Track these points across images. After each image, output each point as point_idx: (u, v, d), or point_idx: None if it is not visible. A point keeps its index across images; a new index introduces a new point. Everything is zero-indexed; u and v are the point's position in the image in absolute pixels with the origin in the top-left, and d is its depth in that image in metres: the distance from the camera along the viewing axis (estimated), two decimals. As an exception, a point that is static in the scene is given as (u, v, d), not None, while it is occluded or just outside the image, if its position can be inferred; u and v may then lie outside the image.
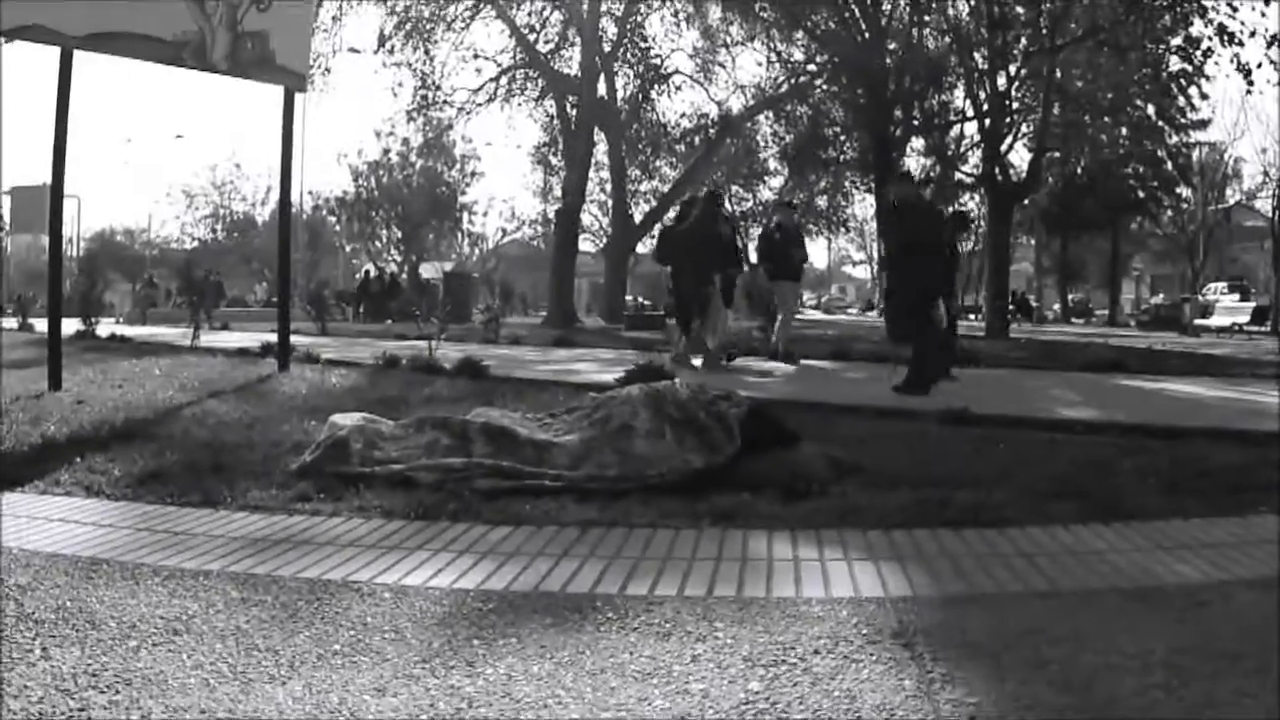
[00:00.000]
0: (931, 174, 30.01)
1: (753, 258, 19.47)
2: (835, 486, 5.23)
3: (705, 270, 13.59)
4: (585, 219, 46.41)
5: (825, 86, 31.70)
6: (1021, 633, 3.19)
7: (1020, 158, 33.71)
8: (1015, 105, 28.73)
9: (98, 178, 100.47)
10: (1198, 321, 37.26)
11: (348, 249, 69.47)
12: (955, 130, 34.44)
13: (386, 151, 53.14)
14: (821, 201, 47.82)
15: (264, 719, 2.67)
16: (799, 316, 17.48)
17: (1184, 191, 51.08)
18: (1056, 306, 61.05)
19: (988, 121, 28.09)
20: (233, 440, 6.78)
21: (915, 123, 29.68)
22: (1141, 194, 46.90)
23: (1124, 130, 34.55)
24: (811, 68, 31.99)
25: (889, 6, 27.39)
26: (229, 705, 2.72)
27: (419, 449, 5.73)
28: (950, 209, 17.54)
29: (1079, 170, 43.39)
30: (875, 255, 73.82)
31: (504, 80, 35.91)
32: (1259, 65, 22.38)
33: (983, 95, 28.30)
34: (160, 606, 3.51)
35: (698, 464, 5.43)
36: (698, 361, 13.74)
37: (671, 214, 20.98)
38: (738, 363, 14.20)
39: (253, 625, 3.34)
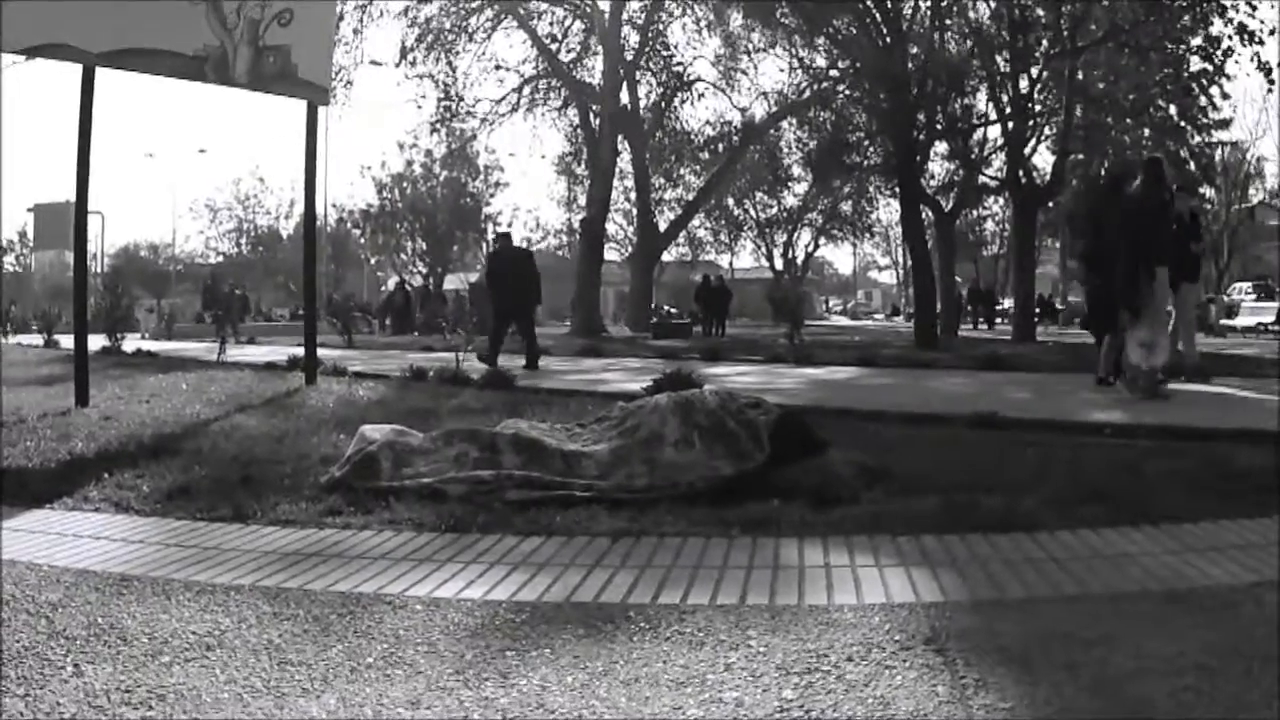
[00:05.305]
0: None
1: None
2: (865, 493, 5.22)
3: (1155, 257, 9.77)
4: (610, 228, 46.52)
5: (847, 92, 31.61)
6: (1053, 637, 3.17)
7: (1044, 160, 33.58)
8: (1037, 108, 28.63)
9: (121, 193, 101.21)
10: (1223, 321, 37.04)
11: (373, 261, 69.62)
12: (978, 134, 34.31)
13: (410, 163, 53.29)
14: (846, 207, 47.93)
15: (298, 732, 2.68)
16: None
17: (1207, 191, 50.70)
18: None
19: (1010, 125, 27.99)
20: (261, 454, 6.80)
21: (938, 127, 29.55)
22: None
23: (1146, 131, 34.33)
24: (834, 73, 31.92)
25: (910, 11, 27.24)
26: (262, 719, 2.73)
27: (448, 462, 5.73)
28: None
29: (1102, 172, 43.14)
30: (900, 260, 73.68)
31: (526, 90, 36.08)
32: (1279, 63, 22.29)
33: (1005, 98, 28.21)
34: (192, 622, 3.52)
35: (727, 472, 5.42)
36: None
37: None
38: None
39: (285, 639, 3.35)
